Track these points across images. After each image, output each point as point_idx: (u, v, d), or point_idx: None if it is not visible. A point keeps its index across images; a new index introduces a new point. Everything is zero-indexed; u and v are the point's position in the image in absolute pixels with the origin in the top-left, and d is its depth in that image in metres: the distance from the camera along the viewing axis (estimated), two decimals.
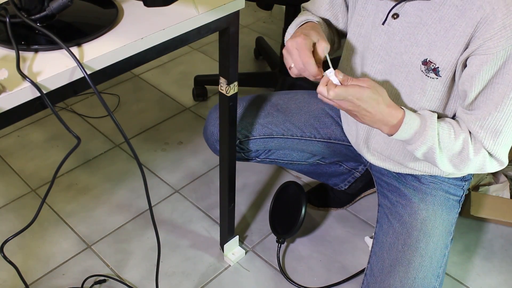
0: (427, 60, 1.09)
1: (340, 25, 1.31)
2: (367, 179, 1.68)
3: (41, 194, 1.79)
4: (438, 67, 1.09)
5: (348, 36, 1.27)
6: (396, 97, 1.19)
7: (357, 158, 1.44)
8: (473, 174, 1.75)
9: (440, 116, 1.17)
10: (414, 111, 1.15)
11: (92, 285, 1.50)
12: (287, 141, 1.43)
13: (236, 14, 1.11)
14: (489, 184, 1.78)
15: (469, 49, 1.04)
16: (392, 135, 1.11)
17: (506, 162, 1.14)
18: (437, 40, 1.07)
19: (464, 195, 1.32)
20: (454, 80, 1.12)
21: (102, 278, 1.52)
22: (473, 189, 1.76)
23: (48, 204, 1.75)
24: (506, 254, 1.63)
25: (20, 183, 1.83)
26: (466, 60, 1.06)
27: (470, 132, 1.11)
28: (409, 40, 1.11)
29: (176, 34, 1.02)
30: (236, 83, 1.23)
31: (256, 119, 1.42)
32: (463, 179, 1.32)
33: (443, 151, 1.11)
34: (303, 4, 1.36)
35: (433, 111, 1.15)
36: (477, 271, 1.58)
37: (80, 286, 1.50)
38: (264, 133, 1.41)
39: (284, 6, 2.19)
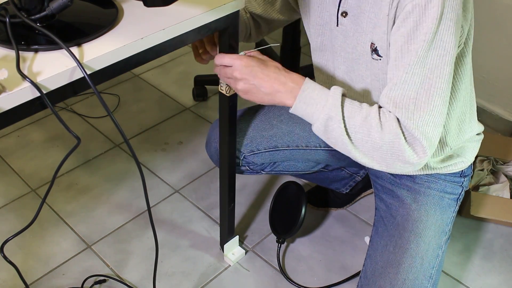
0: (372, 42, 1.12)
1: (273, 13, 1.35)
2: (367, 179, 1.68)
3: (41, 194, 1.79)
4: (376, 46, 1.11)
5: (312, 47, 1.28)
6: (364, 91, 1.20)
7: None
8: (473, 171, 1.75)
9: None
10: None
11: (92, 285, 1.51)
12: (292, 152, 1.41)
13: (236, 14, 1.11)
14: (489, 184, 1.78)
15: (395, 22, 1.03)
16: (292, 105, 1.07)
17: (429, 147, 0.99)
18: (376, 21, 1.09)
19: (463, 192, 1.31)
20: None
21: (102, 278, 1.52)
22: (473, 189, 1.76)
23: (48, 204, 1.75)
24: (506, 254, 1.63)
25: (20, 183, 1.83)
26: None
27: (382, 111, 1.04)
28: (357, 32, 1.14)
29: (176, 34, 1.02)
30: None
31: (260, 132, 1.40)
32: (462, 174, 1.30)
33: (347, 125, 1.03)
34: None
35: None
36: (477, 271, 1.58)
37: (80, 286, 1.50)
38: (270, 146, 1.39)
39: None
